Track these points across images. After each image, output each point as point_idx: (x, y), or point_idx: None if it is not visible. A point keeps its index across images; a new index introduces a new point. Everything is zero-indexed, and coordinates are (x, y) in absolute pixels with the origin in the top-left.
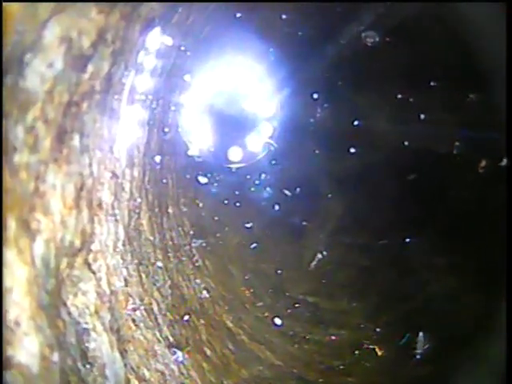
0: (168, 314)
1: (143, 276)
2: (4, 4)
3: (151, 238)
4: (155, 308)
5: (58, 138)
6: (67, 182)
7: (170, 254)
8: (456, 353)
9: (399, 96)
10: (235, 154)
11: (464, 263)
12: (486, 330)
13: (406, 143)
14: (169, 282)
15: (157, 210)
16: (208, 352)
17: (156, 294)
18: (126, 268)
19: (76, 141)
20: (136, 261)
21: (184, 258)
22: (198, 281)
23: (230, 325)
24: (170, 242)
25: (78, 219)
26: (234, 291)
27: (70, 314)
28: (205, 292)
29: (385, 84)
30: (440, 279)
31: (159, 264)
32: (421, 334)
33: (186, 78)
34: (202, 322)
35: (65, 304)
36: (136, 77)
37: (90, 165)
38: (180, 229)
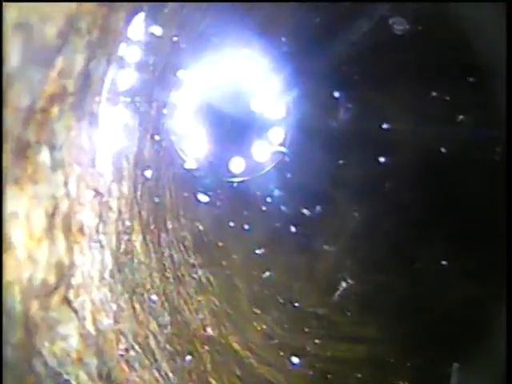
0: (167, 346)
1: (137, 307)
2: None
3: (146, 261)
4: (152, 342)
5: (19, 152)
6: (34, 207)
7: (168, 275)
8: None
9: (434, 94)
10: (238, 166)
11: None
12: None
13: (443, 150)
14: (168, 309)
15: (152, 226)
16: (214, 383)
17: (153, 325)
18: (116, 301)
19: (45, 155)
20: (128, 291)
21: (185, 277)
22: (201, 301)
23: (237, 347)
24: (169, 261)
25: (51, 251)
26: (239, 308)
27: (46, 364)
28: (209, 312)
29: (416, 80)
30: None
31: (156, 288)
32: (455, 364)
33: (179, 74)
34: (207, 348)
35: (40, 353)
36: (120, 74)
37: (66, 183)
38: (180, 244)
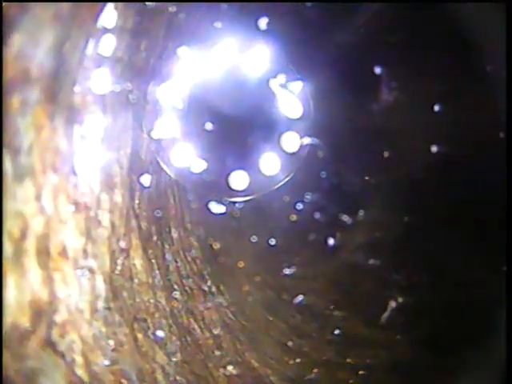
0: (178, 377)
1: (139, 336)
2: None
3: (149, 280)
4: (159, 376)
5: None
6: None
7: (176, 292)
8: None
9: (488, 68)
10: (244, 180)
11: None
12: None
13: (502, 135)
14: (176, 331)
15: (155, 238)
16: None
17: (160, 355)
18: (114, 334)
19: (5, 162)
20: (128, 319)
21: (194, 290)
22: (212, 315)
23: (256, 364)
24: (176, 275)
25: (20, 286)
26: (255, 318)
27: None
28: (222, 327)
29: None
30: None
31: (162, 310)
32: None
33: (180, 52)
34: (222, 371)
35: None
36: (105, 59)
37: (38, 196)
38: (187, 254)
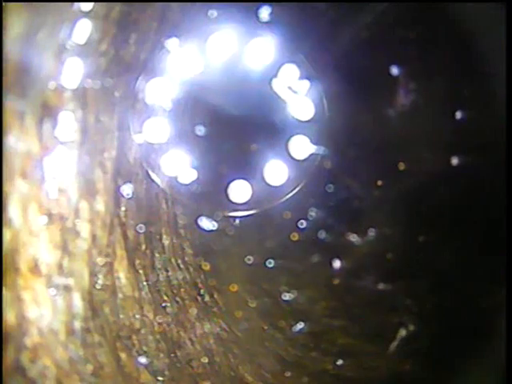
0: None
1: (123, 356)
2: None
3: (135, 293)
4: None
5: None
6: None
7: (166, 304)
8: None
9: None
10: (245, 191)
11: None
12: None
13: None
14: (165, 348)
15: (144, 247)
16: None
17: (145, 375)
18: (93, 356)
19: None
20: (110, 338)
21: (186, 301)
22: (205, 327)
23: (250, 379)
24: (166, 285)
25: None
26: (249, 328)
27: None
28: (214, 340)
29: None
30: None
31: (150, 326)
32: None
33: (173, 46)
34: None
35: None
36: (86, 47)
37: (4, 207)
38: (180, 261)
